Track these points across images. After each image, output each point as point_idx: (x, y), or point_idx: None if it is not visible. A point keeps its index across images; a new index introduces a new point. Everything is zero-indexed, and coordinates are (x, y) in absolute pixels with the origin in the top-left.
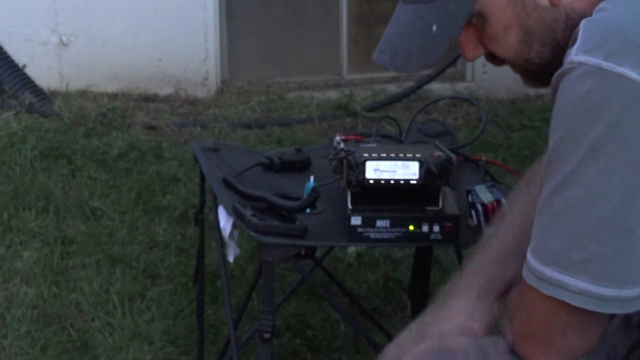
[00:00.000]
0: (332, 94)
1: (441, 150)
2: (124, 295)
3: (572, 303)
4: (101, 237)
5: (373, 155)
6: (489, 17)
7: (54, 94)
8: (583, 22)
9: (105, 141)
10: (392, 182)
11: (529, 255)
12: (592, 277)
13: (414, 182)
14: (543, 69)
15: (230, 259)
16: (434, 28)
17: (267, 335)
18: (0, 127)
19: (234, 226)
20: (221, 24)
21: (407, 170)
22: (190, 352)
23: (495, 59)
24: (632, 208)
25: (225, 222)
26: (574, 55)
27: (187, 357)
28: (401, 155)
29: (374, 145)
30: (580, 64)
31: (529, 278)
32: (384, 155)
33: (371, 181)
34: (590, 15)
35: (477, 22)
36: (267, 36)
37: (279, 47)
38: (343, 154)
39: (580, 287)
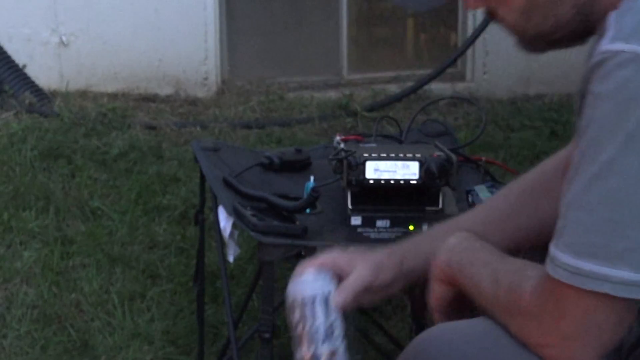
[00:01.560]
0: (332, 94)
1: (441, 150)
2: (124, 295)
3: (615, 294)
4: (101, 237)
5: (373, 155)
6: None
7: (54, 94)
8: (613, 14)
9: (105, 141)
10: (392, 182)
11: (556, 251)
12: (633, 265)
13: (414, 182)
14: (536, 39)
15: (230, 259)
16: None
17: (267, 335)
18: (0, 127)
19: (234, 226)
20: (221, 24)
21: (407, 170)
22: (190, 352)
23: (492, 15)
24: None
25: (225, 222)
26: (609, 44)
27: (187, 357)
28: (401, 155)
29: (374, 145)
30: (617, 52)
31: (560, 275)
32: (384, 155)
33: (371, 181)
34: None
35: None
36: (267, 36)
37: (279, 47)
38: (343, 154)
39: (623, 276)
